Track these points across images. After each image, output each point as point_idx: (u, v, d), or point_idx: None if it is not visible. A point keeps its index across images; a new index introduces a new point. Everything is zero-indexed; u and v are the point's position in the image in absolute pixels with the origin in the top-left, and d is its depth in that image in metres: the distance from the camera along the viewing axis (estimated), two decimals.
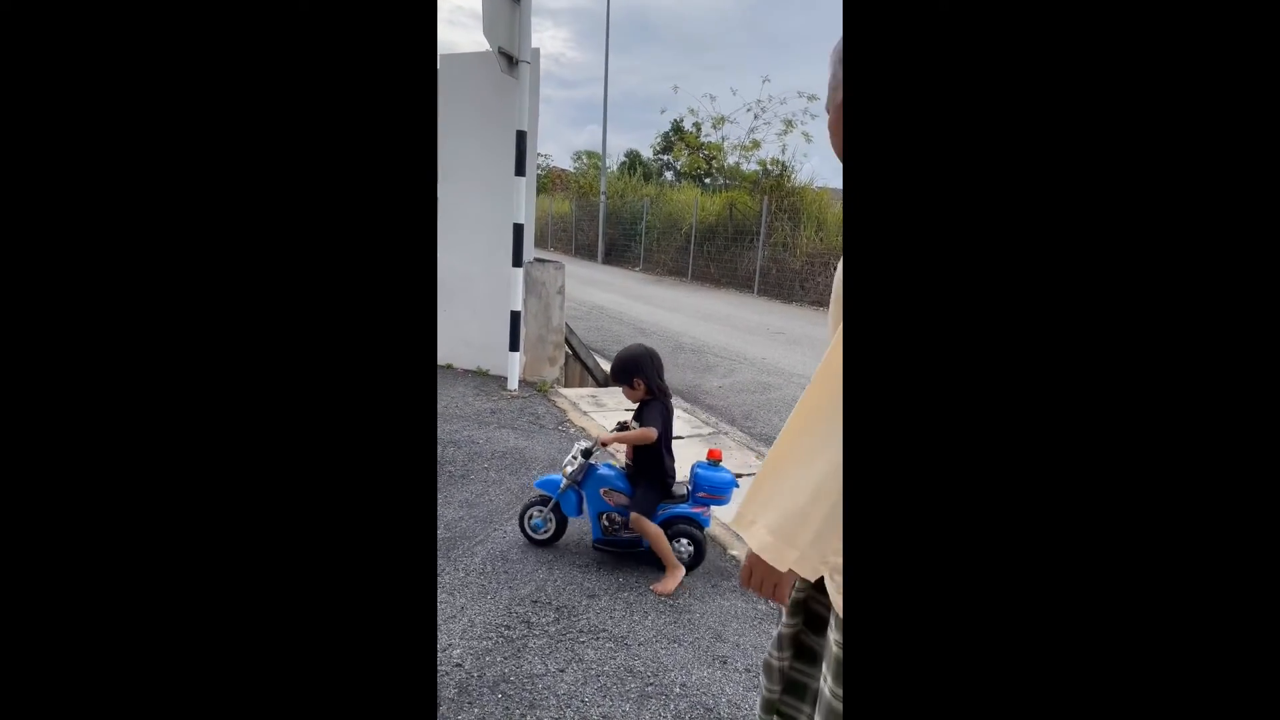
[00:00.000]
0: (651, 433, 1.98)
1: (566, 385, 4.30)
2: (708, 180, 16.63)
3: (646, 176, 20.03)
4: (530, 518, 2.13)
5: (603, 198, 16.56)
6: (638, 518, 1.97)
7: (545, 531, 2.13)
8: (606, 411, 3.79)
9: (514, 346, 3.92)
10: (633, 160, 25.30)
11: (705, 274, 12.76)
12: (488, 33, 3.32)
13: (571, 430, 3.39)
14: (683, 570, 2.00)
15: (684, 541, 2.01)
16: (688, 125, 16.56)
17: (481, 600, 1.82)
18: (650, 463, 2.03)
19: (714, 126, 14.38)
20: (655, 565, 2.06)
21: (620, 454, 2.25)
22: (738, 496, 2.00)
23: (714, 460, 2.06)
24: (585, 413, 3.71)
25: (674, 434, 2.11)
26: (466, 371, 4.30)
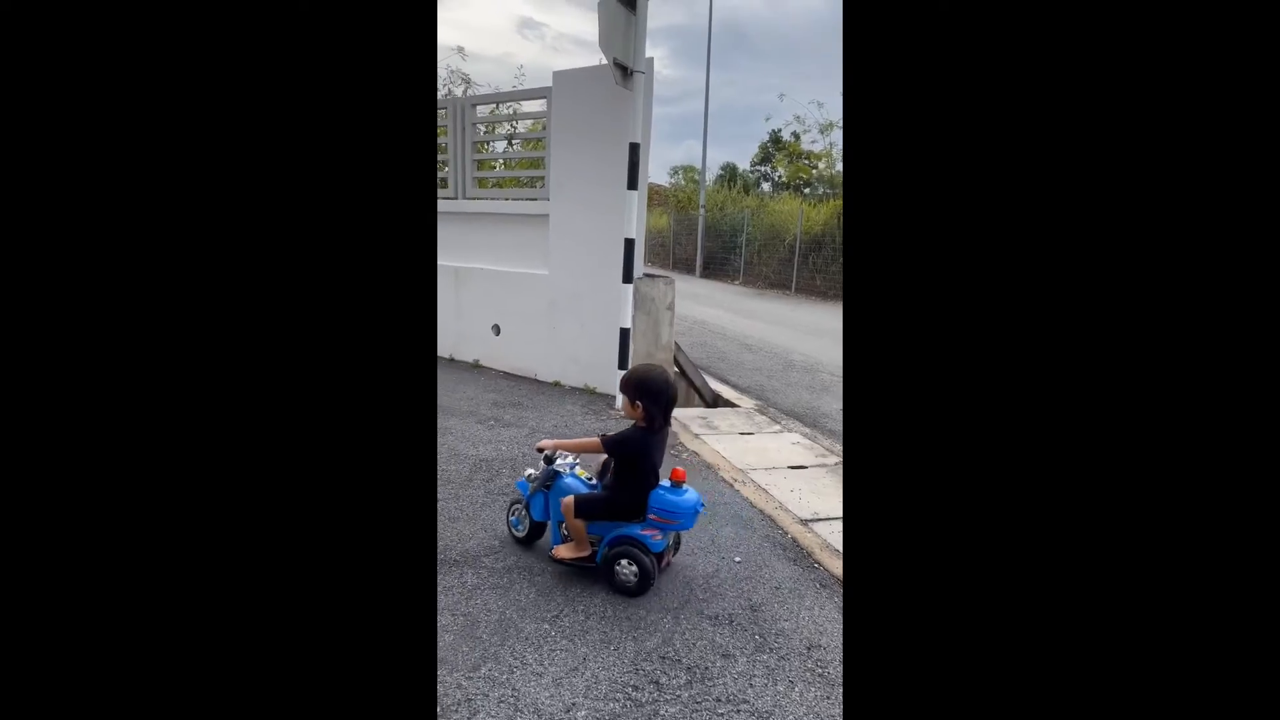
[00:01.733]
0: (595, 442, 1.96)
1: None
2: (807, 190, 16.02)
3: (745, 189, 19.69)
4: (511, 515, 2.20)
5: (701, 211, 16.41)
6: (567, 503, 1.94)
7: (521, 530, 2.17)
8: (719, 435, 3.56)
9: (623, 364, 3.80)
10: (729, 173, 25.01)
11: (810, 286, 12.21)
12: (604, 45, 3.24)
13: (685, 455, 3.19)
14: (587, 551, 1.97)
15: (625, 563, 1.89)
16: (787, 135, 16.08)
17: (604, 651, 1.65)
18: (622, 483, 1.95)
19: (822, 133, 13.88)
20: (791, 624, 1.81)
21: (588, 465, 2.18)
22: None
23: (676, 481, 1.90)
24: (697, 435, 3.51)
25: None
26: (574, 389, 4.23)
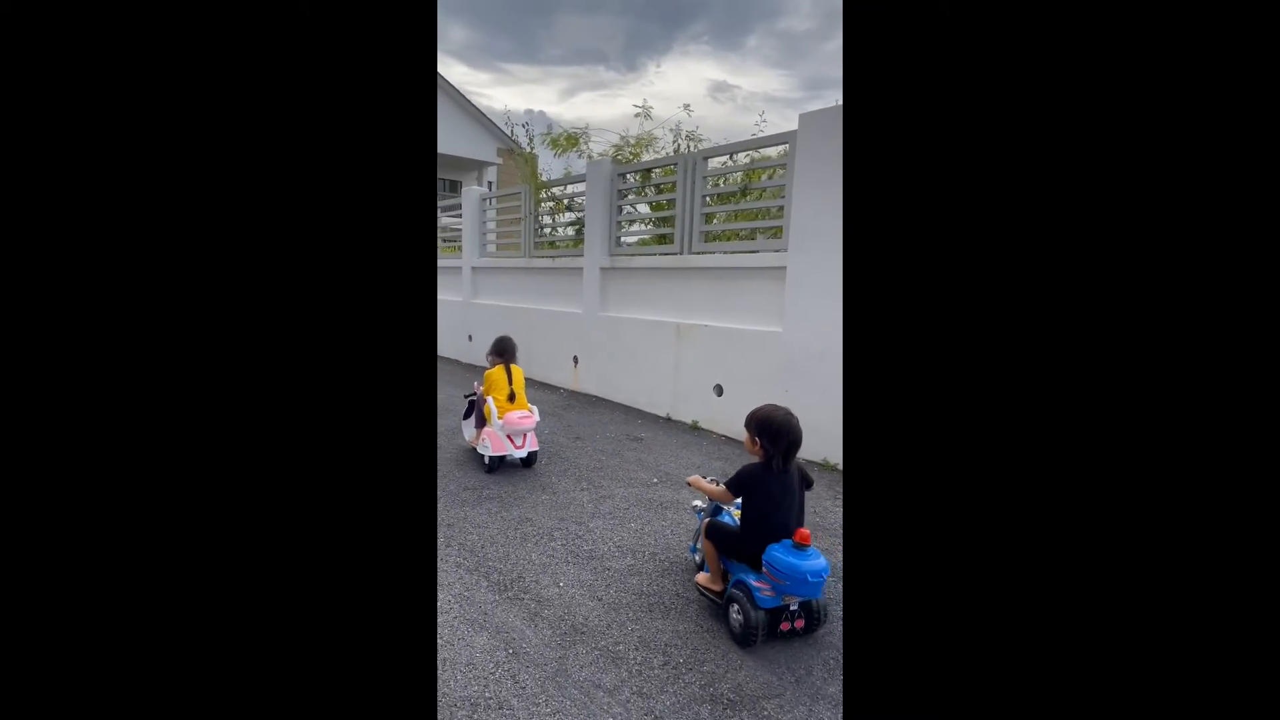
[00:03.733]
0: (725, 494, 2.00)
1: None
2: None
3: None
4: (693, 542, 2.34)
5: None
6: (706, 523, 2.09)
7: (698, 557, 2.28)
8: None
9: None
10: None
11: None
12: None
13: None
14: (719, 586, 2.02)
15: (735, 608, 1.89)
16: None
17: None
18: (743, 522, 1.97)
19: None
20: None
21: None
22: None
23: (799, 543, 1.78)
24: None
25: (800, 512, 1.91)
26: (810, 463, 3.69)
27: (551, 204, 5.94)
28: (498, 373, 3.50)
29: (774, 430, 1.88)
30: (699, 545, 2.21)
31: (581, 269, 5.43)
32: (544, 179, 5.89)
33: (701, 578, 2.11)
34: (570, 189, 5.85)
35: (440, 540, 2.53)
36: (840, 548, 2.58)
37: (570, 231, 5.94)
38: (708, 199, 4.46)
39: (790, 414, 1.92)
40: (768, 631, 1.84)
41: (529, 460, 3.49)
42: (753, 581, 1.84)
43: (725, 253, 4.35)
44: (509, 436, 3.35)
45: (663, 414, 4.75)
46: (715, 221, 4.74)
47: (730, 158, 4.44)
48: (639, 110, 5.53)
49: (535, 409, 3.46)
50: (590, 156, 5.67)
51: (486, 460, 3.38)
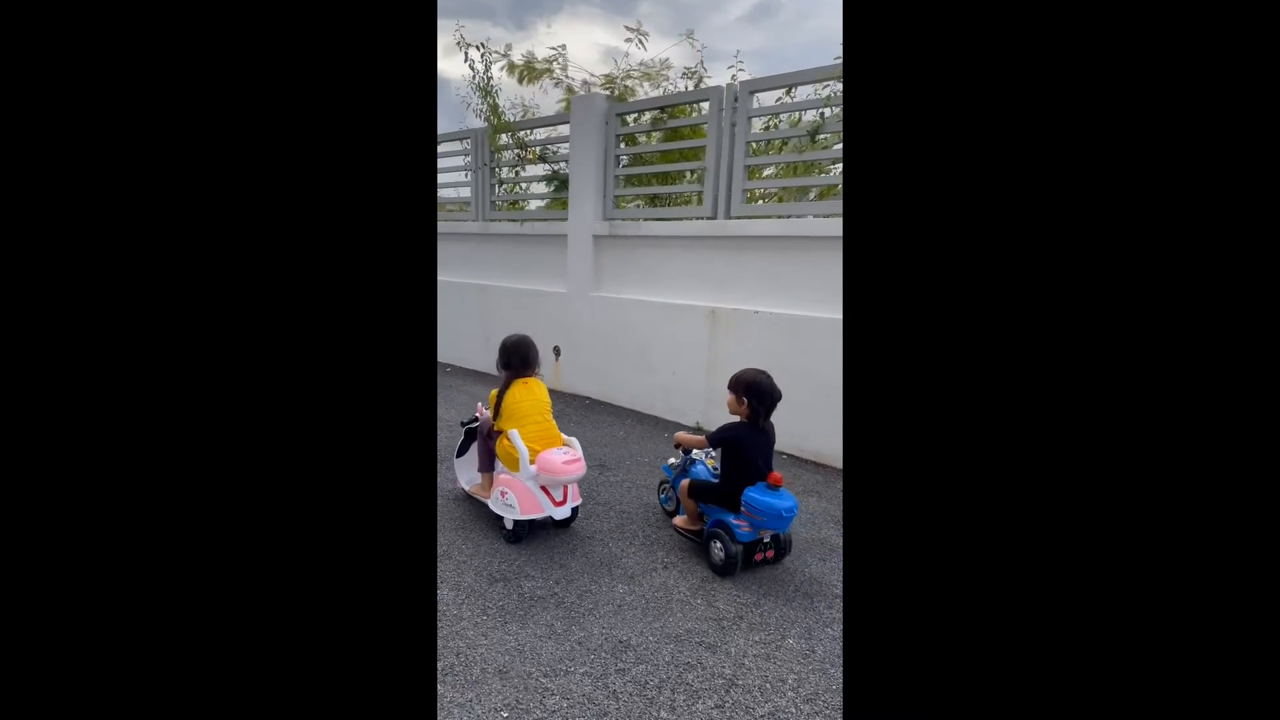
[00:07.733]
0: (703, 441, 2.25)
1: None
2: None
3: None
4: (661, 494, 2.59)
5: None
6: (684, 485, 2.29)
7: (669, 505, 2.52)
8: None
9: None
10: None
11: None
12: None
13: None
14: (698, 526, 2.26)
15: (716, 544, 2.10)
16: None
17: None
18: (724, 474, 2.19)
19: None
20: None
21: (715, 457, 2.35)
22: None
23: (773, 484, 2.02)
24: None
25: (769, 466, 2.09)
26: None
27: (518, 153, 4.63)
28: (516, 392, 2.34)
29: (761, 392, 2.11)
30: (669, 496, 2.50)
31: (564, 236, 4.25)
32: (506, 119, 4.55)
33: (680, 521, 2.35)
34: (544, 133, 4.57)
35: None
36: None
37: (544, 188, 4.68)
38: (751, 147, 3.44)
39: (770, 377, 2.16)
40: (743, 562, 2.08)
41: (568, 519, 2.39)
42: (732, 520, 2.07)
43: (778, 217, 3.38)
44: (543, 487, 2.23)
45: (691, 423, 3.76)
46: (758, 177, 3.74)
47: (787, 92, 3.44)
48: (632, 33, 4.34)
49: (576, 443, 2.35)
50: (571, 90, 4.43)
51: (509, 525, 2.25)
